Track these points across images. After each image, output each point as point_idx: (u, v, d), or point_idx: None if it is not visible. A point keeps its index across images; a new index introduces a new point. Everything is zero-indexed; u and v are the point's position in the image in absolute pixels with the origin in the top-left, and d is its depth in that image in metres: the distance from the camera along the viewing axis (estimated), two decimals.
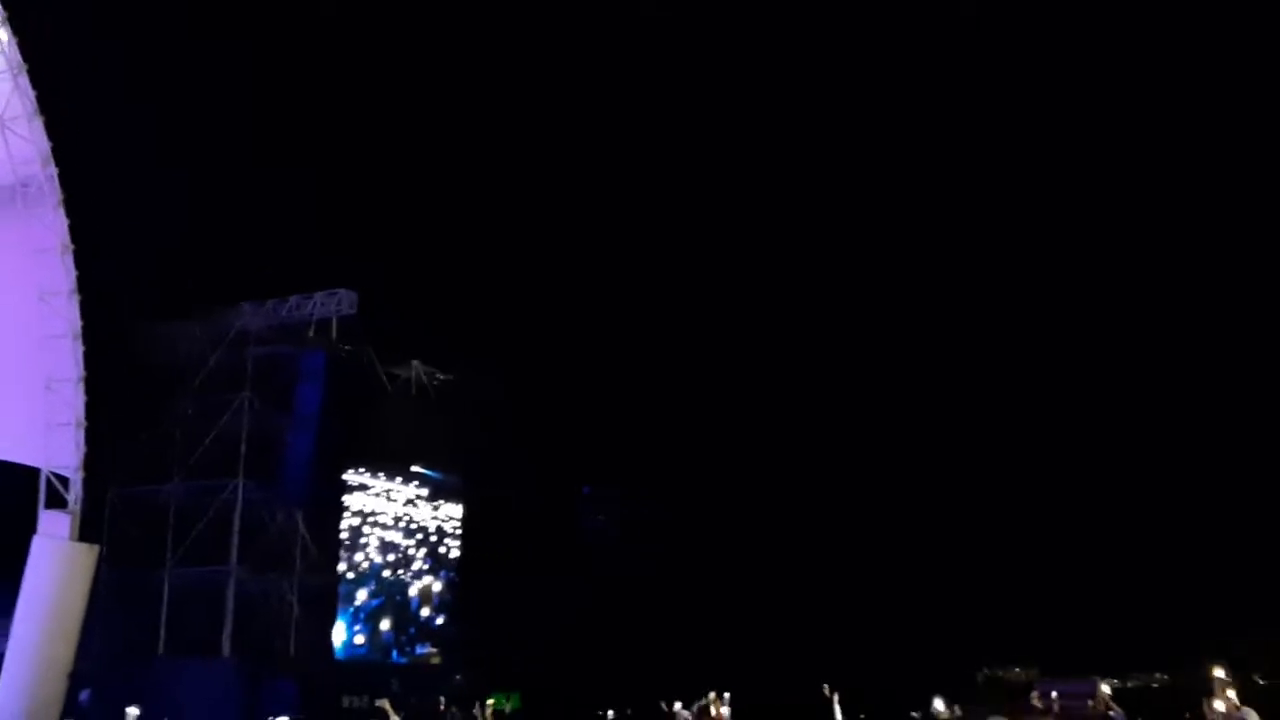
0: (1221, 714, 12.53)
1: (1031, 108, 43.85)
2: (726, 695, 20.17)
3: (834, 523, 42.77)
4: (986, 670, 37.49)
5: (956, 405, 44.53)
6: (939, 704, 17.01)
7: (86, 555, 25.86)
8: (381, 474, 35.28)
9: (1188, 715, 15.77)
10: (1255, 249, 40.41)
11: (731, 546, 42.42)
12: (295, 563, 31.73)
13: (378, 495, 35.16)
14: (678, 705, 20.34)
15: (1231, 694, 13.95)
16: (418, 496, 36.70)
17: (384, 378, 35.25)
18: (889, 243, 46.56)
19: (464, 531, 37.78)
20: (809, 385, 45.71)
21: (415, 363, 36.05)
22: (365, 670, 32.84)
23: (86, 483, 26.13)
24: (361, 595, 34.38)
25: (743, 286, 47.10)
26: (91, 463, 26.14)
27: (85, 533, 26.15)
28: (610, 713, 18.69)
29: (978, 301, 45.33)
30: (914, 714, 15.00)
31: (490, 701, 30.50)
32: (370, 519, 34.81)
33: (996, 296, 45.23)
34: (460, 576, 37.44)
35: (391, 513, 35.67)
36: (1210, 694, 14.51)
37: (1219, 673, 14.44)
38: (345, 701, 29.86)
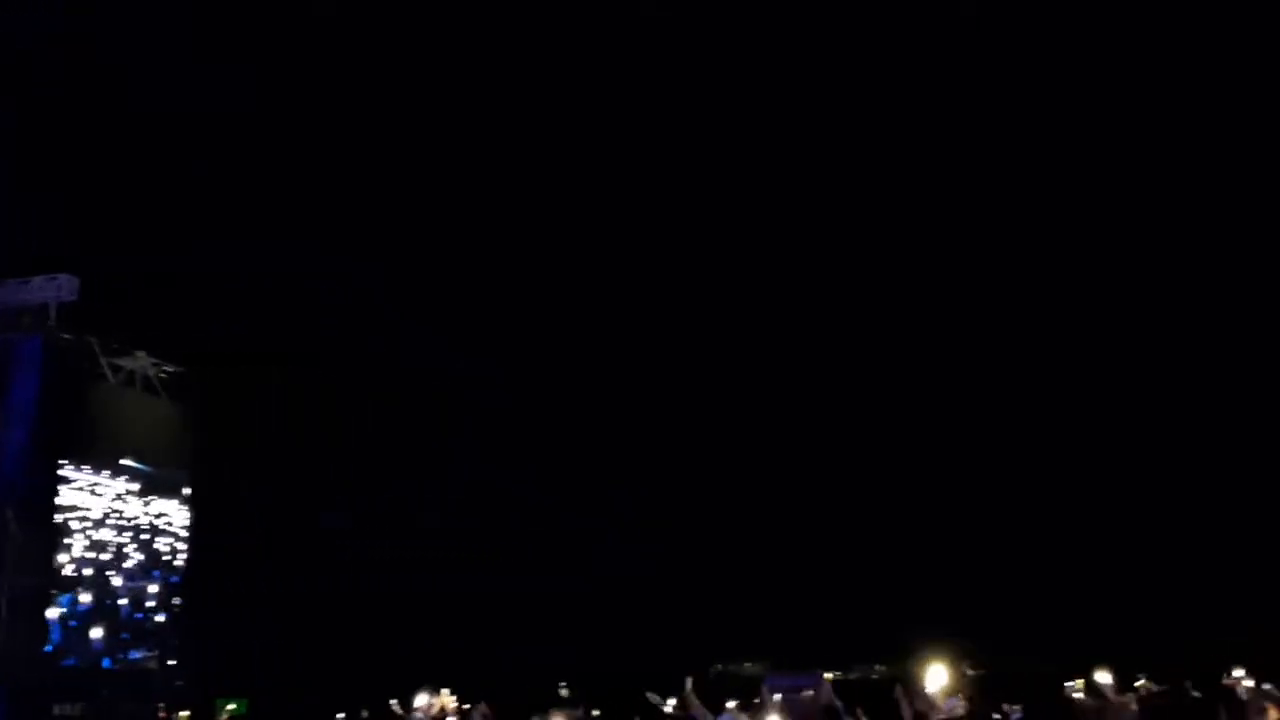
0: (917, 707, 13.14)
1: (1031, 108, 44.32)
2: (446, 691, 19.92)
3: (563, 516, 42.94)
4: (719, 665, 38.48)
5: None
6: (668, 701, 17.30)
7: None
8: (86, 467, 33.34)
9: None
10: (1249, 248, 41.49)
11: (459, 546, 42.10)
12: (3, 563, 29.81)
13: (82, 490, 33.22)
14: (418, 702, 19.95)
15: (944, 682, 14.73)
16: (128, 491, 34.90)
17: (106, 368, 33.49)
18: (851, 238, 46.56)
19: (191, 530, 36.10)
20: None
21: (140, 354, 34.41)
22: (77, 677, 31.00)
23: None
24: (71, 597, 32.48)
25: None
26: None
27: None
28: (341, 715, 18.30)
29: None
30: (650, 694, 15.22)
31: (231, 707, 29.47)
32: (80, 515, 32.90)
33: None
34: (184, 577, 35.78)
35: (100, 509, 33.77)
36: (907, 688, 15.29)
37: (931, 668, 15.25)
38: (56, 710, 28.16)
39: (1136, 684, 17.33)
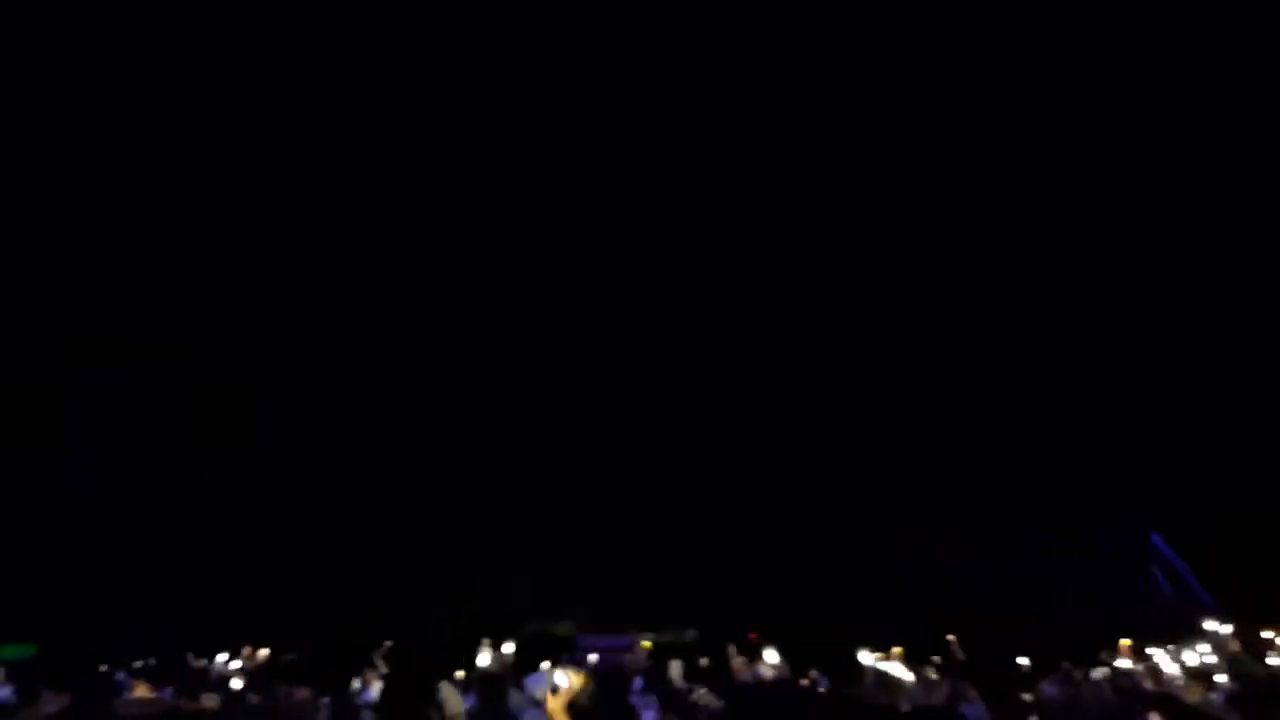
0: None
1: (1031, 108, 43.73)
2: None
3: (357, 472, 42.02)
4: (533, 624, 38.34)
5: None
6: (483, 656, 17.13)
7: None
8: None
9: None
10: (1247, 254, 41.24)
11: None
12: None
13: None
14: (221, 659, 19.35)
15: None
16: None
17: None
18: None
19: None
20: None
21: None
22: None
23: None
24: None
25: None
26: None
27: None
28: (139, 663, 17.58)
29: None
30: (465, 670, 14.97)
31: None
32: None
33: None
34: None
35: None
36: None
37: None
38: None
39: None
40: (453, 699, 9.37)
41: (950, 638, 17.12)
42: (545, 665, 11.64)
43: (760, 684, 14.84)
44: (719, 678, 15.48)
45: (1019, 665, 19.23)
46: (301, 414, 42.51)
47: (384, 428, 42.84)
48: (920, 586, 38.21)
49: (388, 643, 16.13)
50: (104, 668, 16.39)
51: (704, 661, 17.91)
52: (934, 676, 16.60)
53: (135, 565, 36.92)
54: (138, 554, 37.40)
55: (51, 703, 8.62)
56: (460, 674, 13.36)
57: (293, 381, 42.58)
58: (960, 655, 18.18)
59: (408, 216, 43.58)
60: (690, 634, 34.75)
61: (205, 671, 17.78)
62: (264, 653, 19.33)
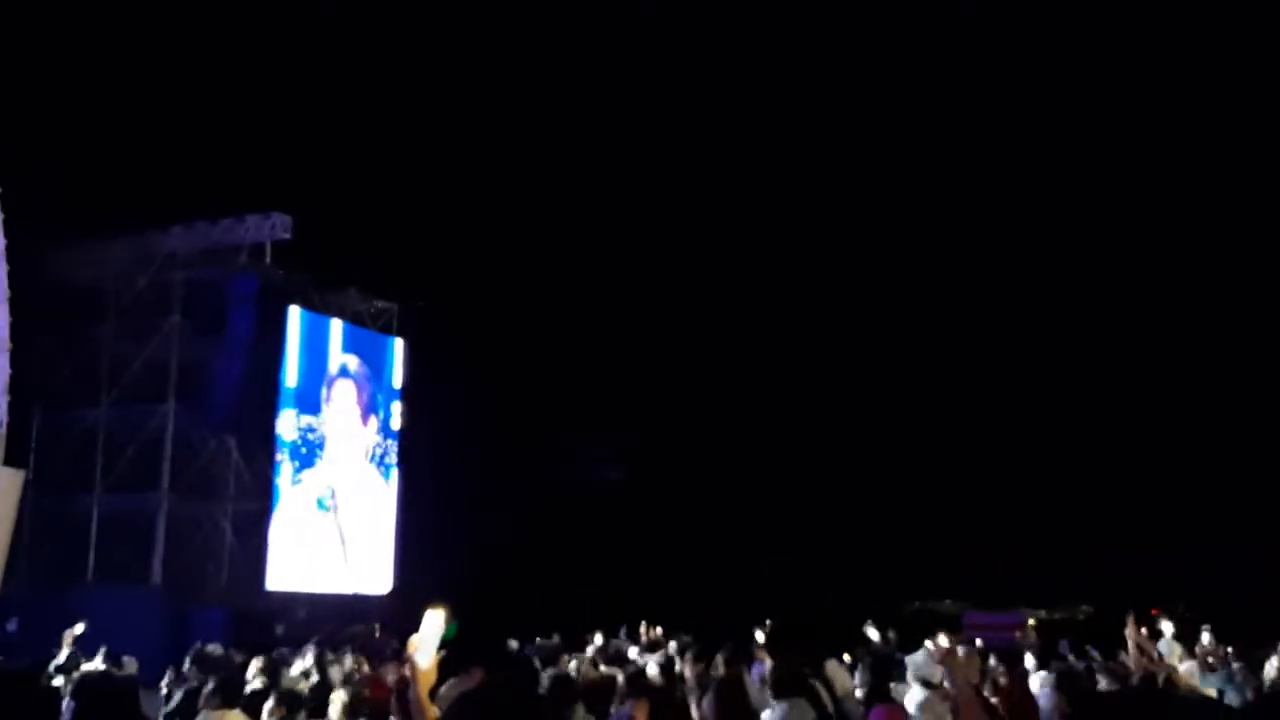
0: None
1: (1031, 108, 43.09)
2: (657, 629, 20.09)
3: (749, 452, 42.54)
4: (917, 602, 38.02)
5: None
6: (870, 632, 17.19)
7: (13, 480, 25.01)
8: None
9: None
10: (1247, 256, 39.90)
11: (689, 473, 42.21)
12: (227, 489, 31.54)
13: None
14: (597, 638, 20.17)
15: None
16: None
17: (318, 304, 34.66)
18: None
19: (402, 455, 36.81)
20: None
21: (352, 290, 35.41)
22: (297, 599, 32.32)
23: (12, 406, 25.26)
24: None
25: None
26: (16, 386, 25.28)
27: (11, 457, 25.30)
28: (555, 637, 18.75)
29: None
30: (869, 640, 15.07)
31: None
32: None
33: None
34: (403, 502, 36.61)
35: None
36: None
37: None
38: (279, 629, 29.51)
39: None
40: (841, 677, 9.51)
41: None
42: (929, 645, 11.54)
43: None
44: (1114, 657, 14.80)
45: None
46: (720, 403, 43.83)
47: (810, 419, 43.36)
48: None
49: (771, 621, 16.49)
50: (513, 645, 17.57)
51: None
52: None
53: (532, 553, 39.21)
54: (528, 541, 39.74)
55: (470, 676, 9.40)
56: (847, 656, 13.46)
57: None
58: None
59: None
60: (1084, 610, 33.43)
61: (603, 648, 18.67)
62: (658, 631, 20.09)
